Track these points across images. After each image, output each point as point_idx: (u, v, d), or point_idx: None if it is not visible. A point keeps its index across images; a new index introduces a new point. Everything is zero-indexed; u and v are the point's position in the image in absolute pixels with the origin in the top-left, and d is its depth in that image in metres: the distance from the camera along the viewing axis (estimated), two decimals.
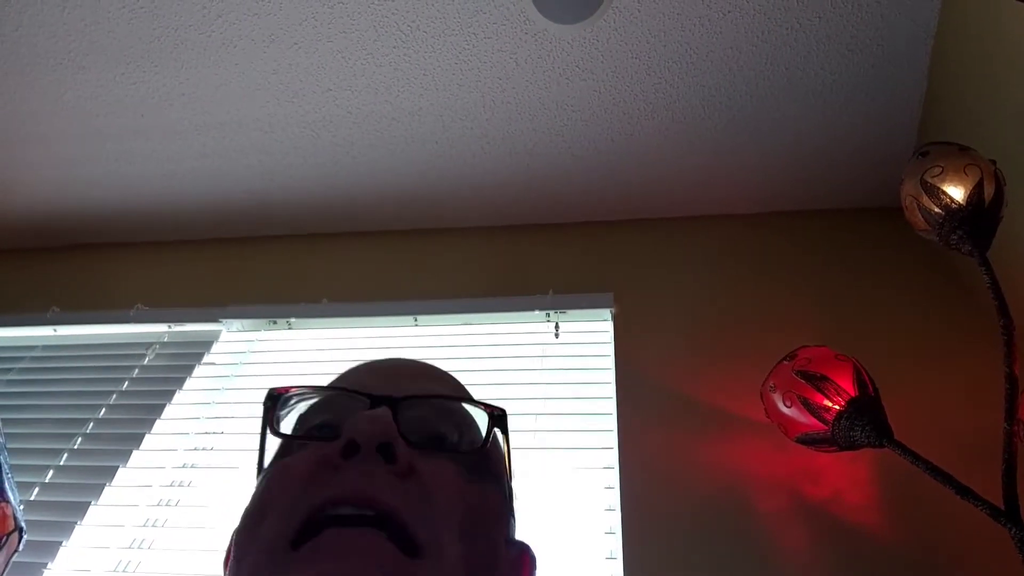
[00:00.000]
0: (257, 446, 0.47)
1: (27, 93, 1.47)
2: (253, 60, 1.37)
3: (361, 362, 0.51)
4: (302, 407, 0.46)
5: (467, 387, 0.52)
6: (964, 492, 0.81)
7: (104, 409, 1.39)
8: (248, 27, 1.31)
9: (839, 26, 1.24)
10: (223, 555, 0.47)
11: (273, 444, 0.46)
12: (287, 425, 0.45)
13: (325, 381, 0.50)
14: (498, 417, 0.45)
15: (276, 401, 0.45)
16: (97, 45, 1.37)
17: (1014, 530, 0.77)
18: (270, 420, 0.44)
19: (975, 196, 0.89)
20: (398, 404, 0.41)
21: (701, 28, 1.26)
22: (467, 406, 0.46)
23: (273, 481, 0.40)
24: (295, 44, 1.34)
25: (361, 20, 1.29)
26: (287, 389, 0.45)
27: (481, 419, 0.46)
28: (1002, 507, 0.79)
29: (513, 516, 0.48)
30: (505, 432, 0.46)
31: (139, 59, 1.39)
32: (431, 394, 0.46)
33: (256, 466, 0.46)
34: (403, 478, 0.38)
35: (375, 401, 0.42)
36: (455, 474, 0.41)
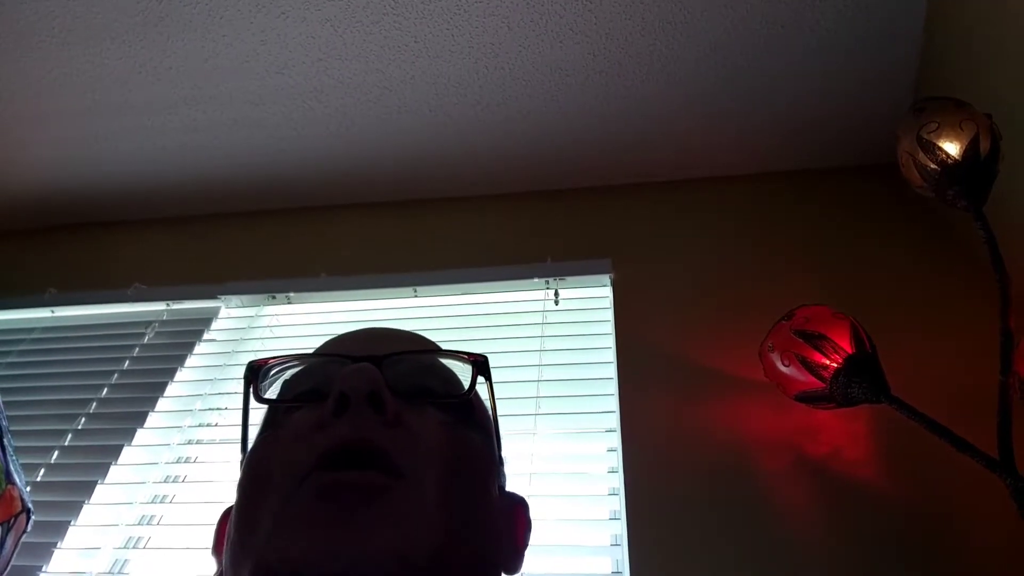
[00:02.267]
0: (240, 421, 0.47)
1: (12, 73, 1.45)
2: (241, 31, 1.35)
3: (341, 333, 0.51)
4: (284, 377, 0.46)
5: None
6: (961, 445, 0.82)
7: (106, 389, 1.39)
8: None
9: None
10: (214, 533, 0.47)
11: (255, 426, 0.47)
12: (271, 396, 0.46)
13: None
14: (480, 364, 0.46)
15: (257, 373, 0.45)
16: (81, 20, 1.34)
17: (1010, 480, 0.79)
18: (254, 391, 0.44)
19: (971, 151, 0.89)
20: (381, 361, 0.42)
21: None
22: (448, 361, 0.47)
23: (268, 451, 0.41)
24: (283, 13, 1.31)
25: None
26: (266, 361, 0.46)
27: (463, 372, 0.47)
28: (998, 458, 0.80)
29: (502, 466, 0.49)
30: (488, 378, 0.47)
31: (125, 33, 1.36)
32: (412, 350, 0.47)
33: (240, 441, 0.47)
34: (392, 426, 0.39)
35: (357, 361, 0.42)
36: (441, 423, 0.42)
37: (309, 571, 0.33)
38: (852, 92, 1.39)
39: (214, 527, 0.47)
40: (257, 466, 0.40)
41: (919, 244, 1.32)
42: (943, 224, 1.34)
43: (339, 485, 0.36)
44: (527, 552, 0.48)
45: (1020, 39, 1.04)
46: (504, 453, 0.50)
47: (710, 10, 1.27)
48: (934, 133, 0.91)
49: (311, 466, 0.37)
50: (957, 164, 0.89)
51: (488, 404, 0.49)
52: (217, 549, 0.46)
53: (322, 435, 0.38)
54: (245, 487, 0.40)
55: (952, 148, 0.90)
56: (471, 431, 0.45)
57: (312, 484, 0.36)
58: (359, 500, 0.35)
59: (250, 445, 0.45)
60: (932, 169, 0.91)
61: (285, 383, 0.46)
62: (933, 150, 0.91)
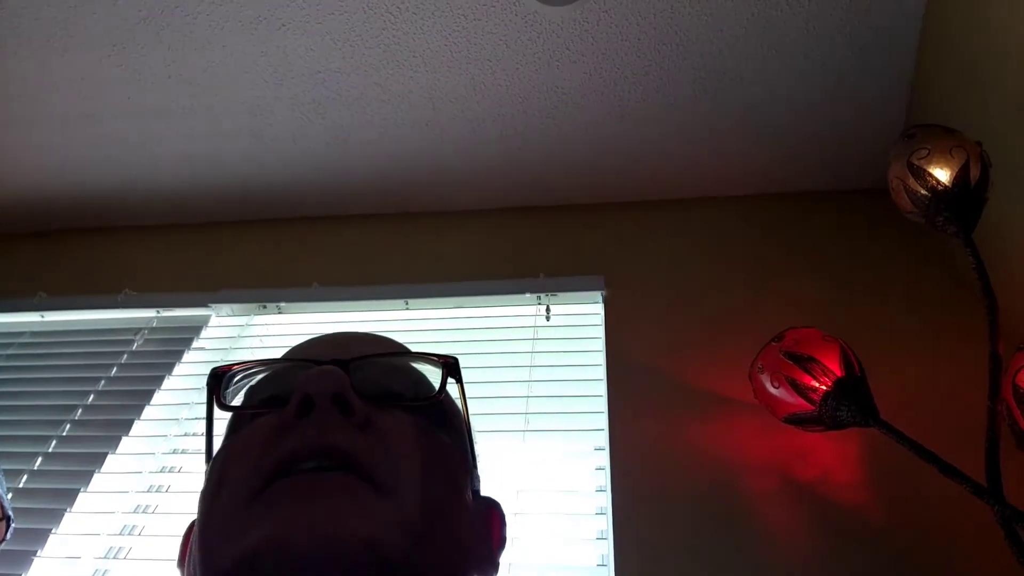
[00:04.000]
0: (204, 430, 0.45)
1: (11, 76, 1.45)
2: (241, 42, 1.35)
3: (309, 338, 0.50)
4: (249, 383, 0.45)
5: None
6: (948, 470, 0.82)
7: (93, 395, 1.38)
8: (235, 8, 1.30)
9: (827, 8, 1.24)
10: (179, 549, 0.45)
11: (219, 434, 0.45)
12: (235, 404, 0.44)
13: None
14: (451, 365, 0.45)
15: (220, 380, 0.43)
16: (82, 27, 1.35)
17: (996, 507, 0.78)
18: (217, 397, 0.43)
19: (961, 178, 0.90)
20: (348, 365, 0.41)
21: (690, 10, 1.25)
22: (418, 364, 0.46)
23: (228, 455, 0.40)
24: (283, 26, 1.32)
25: (349, 1, 1.28)
26: (231, 367, 0.44)
27: (433, 375, 0.45)
28: (985, 484, 0.80)
29: (476, 469, 0.48)
30: (459, 381, 0.46)
31: (125, 41, 1.37)
32: (380, 352, 0.45)
33: (204, 450, 0.45)
34: (361, 429, 0.38)
35: (324, 365, 0.41)
36: (412, 425, 0.41)
37: (279, 553, 0.32)
38: (844, 117, 1.41)
39: (180, 539, 0.46)
40: (218, 473, 0.39)
41: (909, 268, 1.33)
42: (933, 249, 1.35)
43: (308, 482, 0.35)
44: (510, 569, 0.47)
45: (1009, 67, 1.06)
46: (479, 456, 0.49)
47: (705, 34, 1.29)
48: (924, 159, 0.92)
49: (275, 468, 0.36)
50: (947, 190, 0.90)
51: (460, 405, 0.48)
52: (181, 561, 0.45)
53: (286, 437, 0.37)
54: (206, 496, 0.39)
55: (942, 174, 0.90)
56: (442, 434, 0.44)
57: (279, 484, 0.35)
58: (329, 492, 0.34)
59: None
60: (922, 195, 0.92)
61: (250, 389, 0.45)
62: (923, 176, 0.91)
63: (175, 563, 0.45)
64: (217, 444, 0.45)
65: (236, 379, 0.44)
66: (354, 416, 0.38)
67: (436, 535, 0.37)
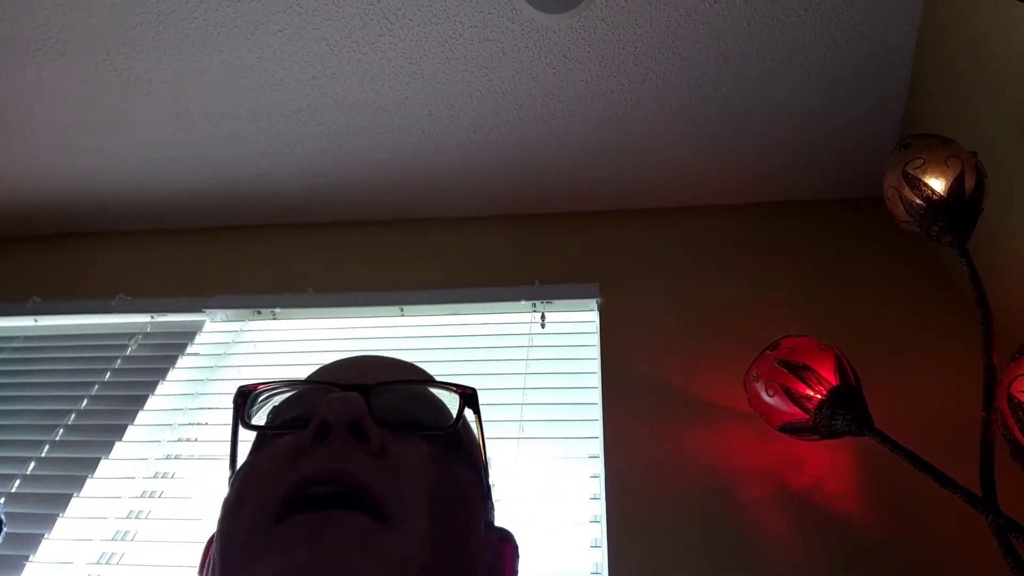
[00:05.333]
0: (229, 445, 0.47)
1: (4, 81, 1.45)
2: (237, 47, 1.35)
3: (333, 360, 0.51)
4: (273, 403, 0.46)
5: (452, 376, 0.53)
6: (943, 480, 0.82)
7: (86, 400, 1.38)
8: (232, 13, 1.30)
9: (825, 17, 1.24)
10: (200, 557, 0.47)
11: (244, 448, 0.46)
12: (259, 421, 0.45)
13: (309, 372, 0.50)
14: (469, 396, 0.46)
15: (246, 398, 0.45)
16: (76, 31, 1.34)
17: (991, 516, 0.78)
18: (241, 416, 0.44)
19: (956, 188, 0.90)
20: (369, 391, 0.42)
21: (688, 19, 1.26)
22: (438, 392, 0.47)
23: (249, 474, 0.41)
24: (280, 31, 1.32)
25: (347, 7, 1.28)
26: (256, 386, 0.45)
27: (452, 403, 0.46)
28: (979, 494, 0.80)
29: (491, 500, 0.49)
30: (476, 411, 0.47)
31: (120, 45, 1.36)
32: (401, 379, 0.46)
33: (228, 465, 0.47)
34: (376, 457, 0.39)
35: (346, 390, 0.42)
36: (427, 454, 0.42)
37: None
38: (840, 126, 1.42)
39: (200, 547, 0.47)
40: (240, 489, 0.40)
41: (906, 278, 1.33)
42: (928, 258, 1.35)
43: (322, 524, 0.35)
44: None
45: (1005, 78, 1.06)
46: (491, 483, 0.50)
47: (702, 42, 1.29)
48: (920, 169, 0.92)
49: (288, 492, 0.36)
50: (942, 200, 0.90)
51: (477, 435, 0.49)
52: (201, 570, 0.45)
53: (300, 462, 0.38)
54: (225, 513, 0.40)
55: (937, 184, 0.91)
56: (458, 464, 0.44)
57: (291, 520, 0.36)
58: (339, 535, 0.35)
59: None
60: (917, 204, 0.92)
61: (274, 409, 0.46)
62: (919, 185, 0.92)
63: (196, 570, 0.46)
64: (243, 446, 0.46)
65: (261, 397, 0.46)
66: (370, 444, 0.39)
67: (445, 570, 0.37)
